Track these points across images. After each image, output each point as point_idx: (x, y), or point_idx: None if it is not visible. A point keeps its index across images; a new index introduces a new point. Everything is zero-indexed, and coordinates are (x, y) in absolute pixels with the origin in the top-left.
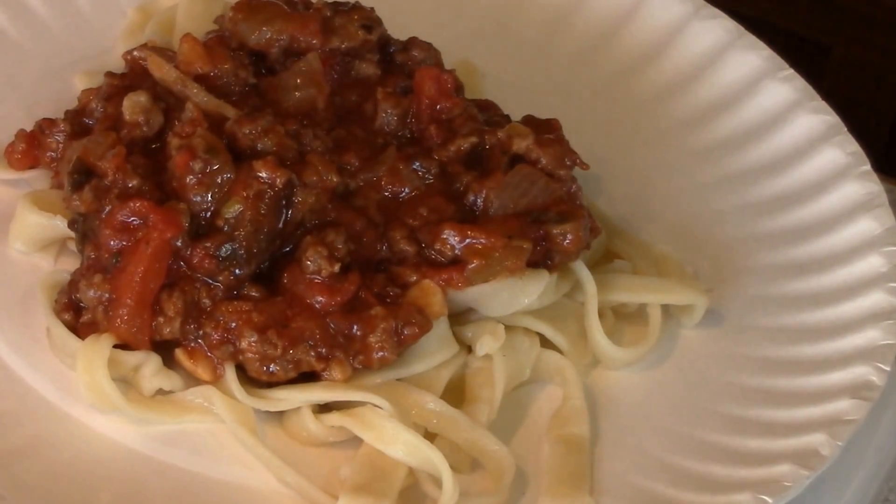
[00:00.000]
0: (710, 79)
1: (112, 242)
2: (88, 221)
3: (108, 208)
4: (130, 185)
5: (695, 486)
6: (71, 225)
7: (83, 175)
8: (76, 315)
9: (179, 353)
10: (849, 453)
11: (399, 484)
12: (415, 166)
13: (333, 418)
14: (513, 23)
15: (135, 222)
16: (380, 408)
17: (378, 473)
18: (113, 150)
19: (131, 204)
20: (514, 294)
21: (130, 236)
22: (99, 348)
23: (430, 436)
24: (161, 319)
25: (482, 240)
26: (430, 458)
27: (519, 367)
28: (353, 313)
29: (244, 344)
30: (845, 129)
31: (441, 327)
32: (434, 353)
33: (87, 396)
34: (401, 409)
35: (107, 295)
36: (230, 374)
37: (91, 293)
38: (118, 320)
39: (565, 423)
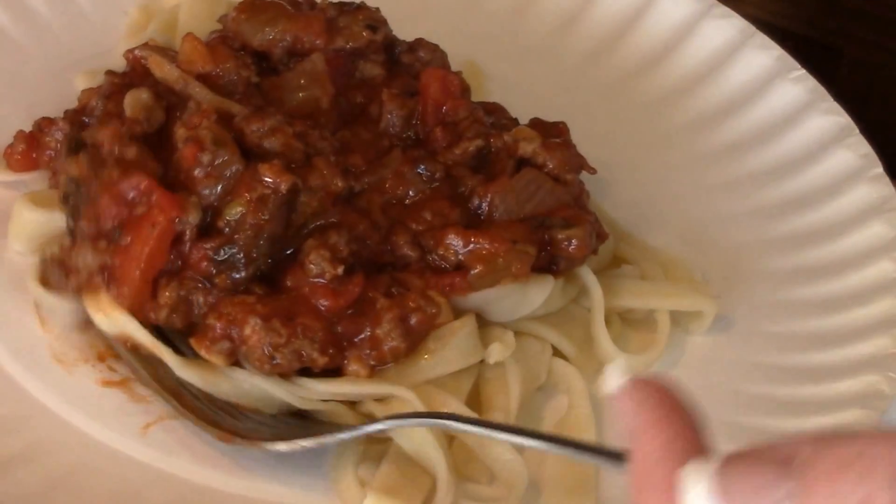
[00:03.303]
0: (720, 79)
1: (111, 212)
2: (82, 191)
3: (107, 174)
4: (129, 156)
5: None
6: (64, 199)
7: (79, 144)
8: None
9: (195, 343)
10: None
11: (425, 491)
12: (419, 169)
13: (367, 405)
14: (520, 24)
15: (136, 197)
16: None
17: (405, 481)
18: (108, 126)
19: (136, 181)
20: (519, 299)
21: (130, 209)
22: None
23: (448, 439)
24: (153, 304)
25: (486, 245)
26: (430, 454)
27: (533, 372)
28: (360, 316)
29: (248, 330)
30: (857, 130)
31: (474, 329)
32: (468, 352)
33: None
34: (428, 407)
35: (108, 262)
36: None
37: (89, 259)
38: (118, 296)
39: (571, 431)
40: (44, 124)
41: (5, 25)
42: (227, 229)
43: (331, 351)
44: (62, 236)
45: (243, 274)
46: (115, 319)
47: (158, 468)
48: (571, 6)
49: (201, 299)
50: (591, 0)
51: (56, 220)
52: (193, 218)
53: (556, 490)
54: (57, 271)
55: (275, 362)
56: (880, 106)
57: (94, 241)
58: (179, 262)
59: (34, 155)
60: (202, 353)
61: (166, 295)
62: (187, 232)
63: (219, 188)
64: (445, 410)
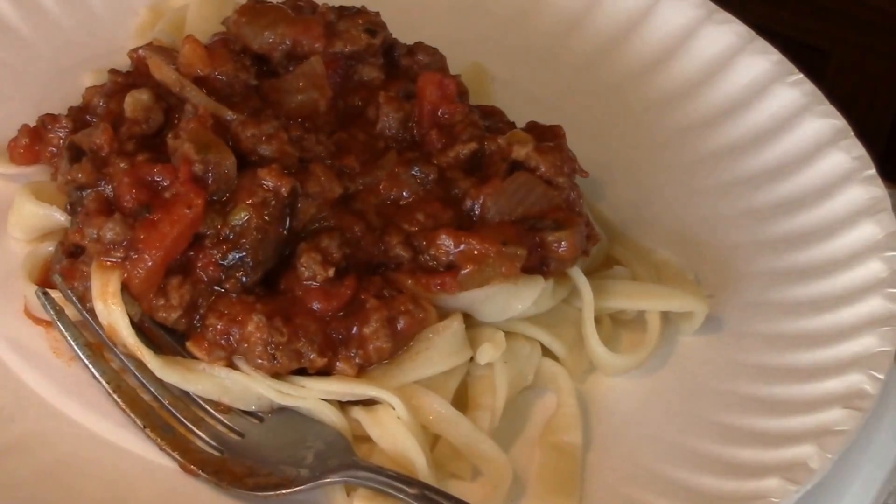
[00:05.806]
0: (719, 83)
1: (131, 194)
2: (89, 194)
3: (122, 165)
4: (130, 150)
5: (683, 497)
6: (72, 207)
7: (78, 152)
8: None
9: (192, 345)
10: (849, 456)
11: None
12: (414, 171)
13: (355, 411)
14: (524, 27)
15: (158, 179)
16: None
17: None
18: (99, 128)
19: (158, 168)
20: (508, 299)
21: (154, 193)
22: (112, 278)
23: (434, 436)
24: (162, 302)
25: (476, 245)
26: (410, 452)
27: (521, 373)
28: (352, 317)
29: (251, 327)
30: (852, 133)
31: (459, 329)
32: (453, 354)
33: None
34: (412, 408)
35: (125, 237)
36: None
37: (118, 230)
38: (132, 276)
39: (558, 430)
40: (47, 120)
41: (15, 22)
42: (231, 235)
43: (329, 354)
44: (62, 233)
45: (251, 278)
46: (111, 311)
47: (150, 458)
48: (576, 9)
49: (205, 301)
50: (594, 5)
51: (55, 216)
52: (216, 221)
53: (540, 487)
54: (64, 258)
55: (275, 362)
56: (867, 108)
57: (124, 216)
58: (186, 262)
59: (36, 149)
60: (200, 354)
61: (180, 297)
62: (208, 233)
63: (224, 186)
64: (429, 410)
